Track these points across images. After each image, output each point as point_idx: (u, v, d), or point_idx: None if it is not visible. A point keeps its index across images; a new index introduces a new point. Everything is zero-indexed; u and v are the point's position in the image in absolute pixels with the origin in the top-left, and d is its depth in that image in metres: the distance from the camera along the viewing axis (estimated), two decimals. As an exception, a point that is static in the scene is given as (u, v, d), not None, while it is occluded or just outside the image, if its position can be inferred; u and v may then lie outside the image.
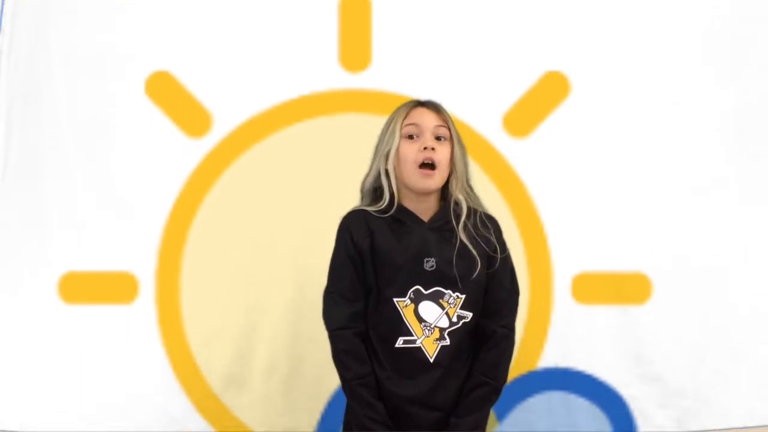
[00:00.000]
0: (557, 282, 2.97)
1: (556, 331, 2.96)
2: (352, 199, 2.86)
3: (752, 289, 2.98)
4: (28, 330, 2.91)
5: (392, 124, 2.27)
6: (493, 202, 2.91)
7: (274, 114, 2.97)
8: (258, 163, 2.96)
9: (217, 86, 2.96)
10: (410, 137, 2.24)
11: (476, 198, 2.28)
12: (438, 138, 2.23)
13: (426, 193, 2.23)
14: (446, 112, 2.28)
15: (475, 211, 2.25)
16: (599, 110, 2.98)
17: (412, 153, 2.21)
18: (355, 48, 2.98)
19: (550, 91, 2.98)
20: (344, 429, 2.28)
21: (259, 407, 2.93)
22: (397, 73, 2.97)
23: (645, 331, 2.95)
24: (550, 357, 2.96)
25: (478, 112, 2.97)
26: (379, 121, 2.92)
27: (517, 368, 2.87)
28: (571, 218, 2.97)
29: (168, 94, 2.95)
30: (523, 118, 2.98)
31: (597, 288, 2.97)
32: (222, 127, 2.96)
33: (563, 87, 2.98)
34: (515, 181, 2.97)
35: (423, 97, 2.33)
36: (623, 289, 2.97)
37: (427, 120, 2.24)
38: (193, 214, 2.95)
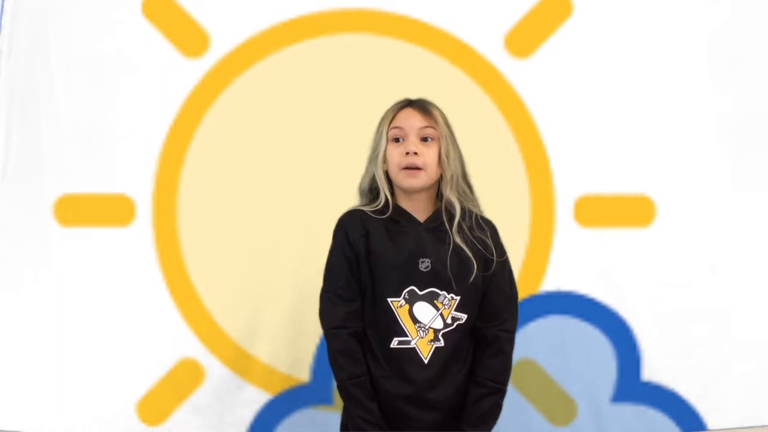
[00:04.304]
0: (559, 205, 2.93)
1: (558, 255, 2.93)
2: (349, 120, 2.88)
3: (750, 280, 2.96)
4: (25, 257, 2.90)
5: (381, 127, 2.26)
6: (494, 124, 2.94)
7: (272, 34, 2.93)
8: (256, 84, 2.93)
9: (215, 5, 2.92)
10: (396, 140, 2.23)
11: (474, 199, 2.26)
12: (424, 139, 2.21)
13: (415, 192, 2.22)
14: (436, 110, 2.25)
15: (471, 213, 2.23)
16: (602, 30, 2.94)
17: (396, 156, 2.21)
18: (354, -34, 2.95)
19: (552, 10, 2.94)
20: (341, 430, 2.27)
21: (260, 333, 2.91)
22: (397, -8, 2.95)
23: (648, 254, 2.92)
24: (552, 281, 2.93)
25: (479, 32, 2.93)
26: (377, 41, 2.95)
27: (518, 292, 2.84)
28: (573, 140, 2.93)
29: (165, 13, 2.92)
30: (525, 38, 2.94)
31: (600, 210, 2.93)
32: (220, 47, 2.93)
33: (565, 6, 2.94)
34: (517, 103, 2.93)
35: (413, 96, 2.30)
36: (627, 211, 2.93)
37: (412, 122, 2.22)
38: (191, 135, 2.92)
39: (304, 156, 2.91)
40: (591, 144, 2.94)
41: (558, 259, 2.93)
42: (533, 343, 2.89)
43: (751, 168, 2.98)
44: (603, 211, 2.94)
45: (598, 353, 2.92)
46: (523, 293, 2.87)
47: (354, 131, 2.83)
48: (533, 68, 2.94)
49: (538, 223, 2.93)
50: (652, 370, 2.91)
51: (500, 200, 2.87)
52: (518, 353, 2.85)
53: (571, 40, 2.94)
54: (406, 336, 2.17)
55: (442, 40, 2.92)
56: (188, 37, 2.92)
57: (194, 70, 2.92)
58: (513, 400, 2.89)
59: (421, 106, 2.25)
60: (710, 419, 2.91)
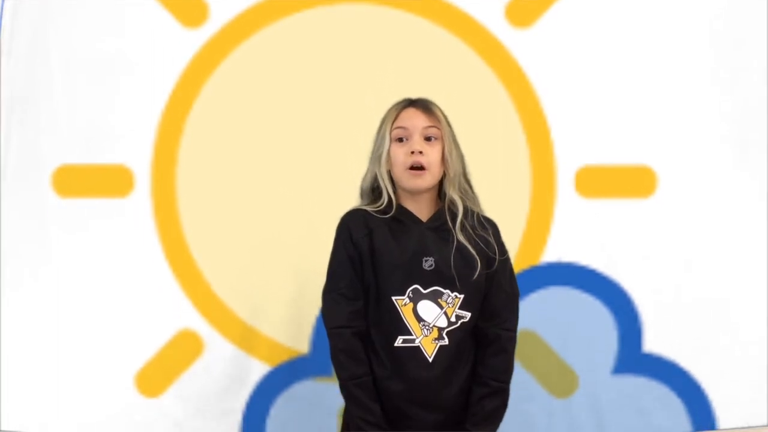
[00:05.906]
0: (560, 176, 2.92)
1: (559, 226, 2.92)
2: (348, 90, 2.87)
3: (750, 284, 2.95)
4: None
5: (383, 127, 2.24)
6: (495, 94, 2.93)
7: (271, 4, 2.92)
8: (255, 54, 2.92)
9: (214, -25, 2.93)
10: (400, 140, 2.21)
11: (474, 198, 2.25)
12: (428, 138, 2.20)
13: (418, 192, 2.21)
14: (438, 110, 2.24)
15: (473, 212, 2.23)
16: (603, 0, 2.93)
17: (400, 156, 2.20)
18: (354, -63, 2.94)
19: (554, -21, 2.95)
20: (342, 429, 2.26)
21: (259, 304, 2.90)
22: (396, -38, 2.93)
23: (650, 225, 2.91)
24: (553, 252, 2.92)
25: (480, 1, 2.91)
26: (377, 11, 2.93)
27: (519, 263, 2.83)
28: (574, 110, 2.92)
29: (164, -17, 2.93)
30: (526, 7, 2.93)
31: (601, 181, 2.92)
32: (219, 17, 2.92)
33: (567, -25, 2.94)
34: (518, 73, 2.92)
35: (414, 96, 2.28)
36: (628, 182, 2.92)
37: (416, 121, 2.20)
38: (190, 106, 2.91)
39: (303, 126, 2.89)
40: (592, 114, 2.92)
41: (559, 230, 2.92)
42: (534, 314, 2.87)
43: (751, 146, 2.96)
44: (604, 181, 2.92)
45: (599, 324, 2.90)
46: (523, 264, 2.89)
47: (352, 101, 2.86)
48: (534, 38, 2.92)
49: (539, 194, 2.92)
50: (653, 342, 2.90)
51: (501, 171, 2.89)
52: (519, 324, 2.87)
53: (572, 10, 2.92)
54: (411, 334, 2.15)
55: (443, 9, 2.91)
56: (187, 7, 2.92)
57: (193, 40, 2.91)
58: (514, 372, 2.90)
59: (424, 105, 2.24)
60: (711, 390, 2.91)
